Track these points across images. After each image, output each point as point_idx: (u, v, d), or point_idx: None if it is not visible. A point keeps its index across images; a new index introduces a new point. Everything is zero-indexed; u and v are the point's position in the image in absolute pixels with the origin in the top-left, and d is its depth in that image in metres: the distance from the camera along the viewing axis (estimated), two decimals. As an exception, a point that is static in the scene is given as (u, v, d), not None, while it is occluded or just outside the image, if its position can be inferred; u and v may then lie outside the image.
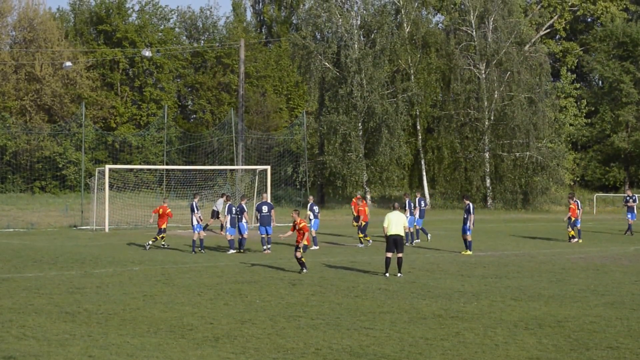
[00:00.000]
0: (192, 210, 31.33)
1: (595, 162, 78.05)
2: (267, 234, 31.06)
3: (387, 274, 23.64)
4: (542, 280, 23.09)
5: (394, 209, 24.25)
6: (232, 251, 30.74)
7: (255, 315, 17.57)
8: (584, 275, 24.29)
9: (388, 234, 23.60)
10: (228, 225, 31.04)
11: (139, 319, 16.97)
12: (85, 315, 17.37)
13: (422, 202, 35.46)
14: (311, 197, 35.36)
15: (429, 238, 35.52)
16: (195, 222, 31.08)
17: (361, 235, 33.52)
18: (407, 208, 33.81)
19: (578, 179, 78.82)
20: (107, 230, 40.74)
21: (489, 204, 65.57)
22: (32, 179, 64.58)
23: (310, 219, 33.05)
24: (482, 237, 38.32)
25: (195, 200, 31.82)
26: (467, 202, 30.34)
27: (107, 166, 43.82)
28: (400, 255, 23.76)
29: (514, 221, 53.56)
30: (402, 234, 23.79)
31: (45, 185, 64.68)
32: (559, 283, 22.61)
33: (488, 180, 65.84)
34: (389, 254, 23.70)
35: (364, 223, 33.71)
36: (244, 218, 31.26)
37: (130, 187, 51.86)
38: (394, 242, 23.63)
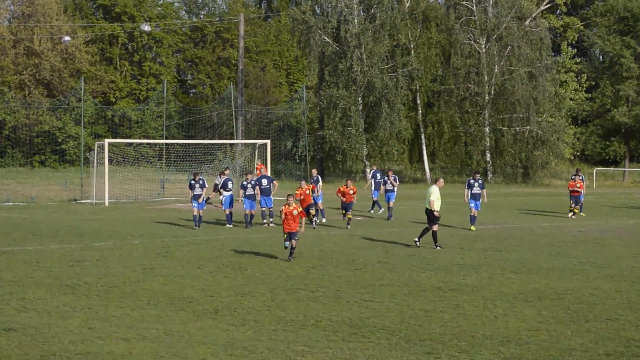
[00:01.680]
0: (194, 187, 30.83)
1: (595, 136, 77.97)
2: (268, 207, 31.09)
3: (437, 246, 24.06)
4: (541, 254, 23.11)
5: (434, 183, 24.70)
6: (245, 225, 30.49)
7: (255, 287, 17.59)
8: (583, 249, 24.31)
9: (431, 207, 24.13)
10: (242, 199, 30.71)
11: (139, 292, 16.99)
12: (86, 288, 17.39)
13: (378, 175, 37.09)
14: (314, 171, 35.49)
15: (380, 212, 36.26)
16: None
17: (344, 212, 31.68)
18: (370, 178, 37.47)
19: (578, 154, 78.75)
20: (107, 204, 40.74)
21: (489, 178, 65.55)
22: (31, 153, 64.51)
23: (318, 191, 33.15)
24: (482, 210, 38.27)
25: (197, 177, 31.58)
26: (478, 176, 30.39)
27: (107, 140, 43.73)
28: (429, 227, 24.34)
29: (514, 195, 53.57)
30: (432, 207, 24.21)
31: (45, 160, 64.62)
32: (559, 256, 22.63)
33: (488, 155, 65.79)
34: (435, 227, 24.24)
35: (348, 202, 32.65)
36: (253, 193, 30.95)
37: (130, 161, 51.79)
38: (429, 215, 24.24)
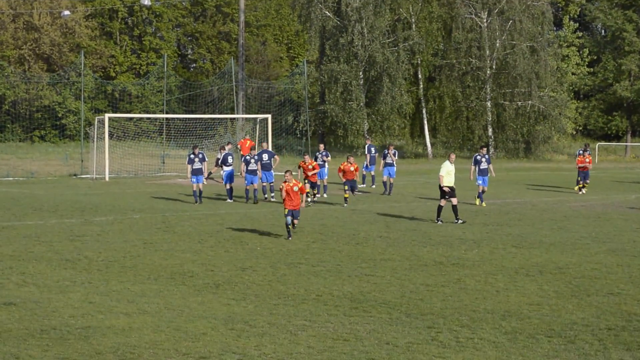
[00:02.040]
0: (191, 161, 30.60)
1: (597, 111, 77.70)
2: (269, 182, 31.03)
3: (439, 221, 24.15)
4: (543, 228, 23.06)
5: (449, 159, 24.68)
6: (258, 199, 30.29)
7: (256, 262, 17.56)
8: (585, 223, 24.25)
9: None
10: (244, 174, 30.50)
11: (140, 266, 16.96)
12: (86, 263, 17.36)
13: (372, 149, 37.34)
14: (322, 145, 35.61)
15: (373, 186, 36.30)
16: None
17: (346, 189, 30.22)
18: (366, 153, 37.20)
19: (580, 128, 78.54)
20: (107, 179, 40.68)
21: (491, 152, 65.34)
22: (31, 128, 64.36)
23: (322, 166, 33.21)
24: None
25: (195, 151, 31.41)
26: (485, 151, 30.06)
27: (107, 115, 43.58)
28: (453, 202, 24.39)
29: (515, 170, 53.46)
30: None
31: (45, 135, 64.48)
32: (560, 230, 22.58)
33: (490, 129, 65.59)
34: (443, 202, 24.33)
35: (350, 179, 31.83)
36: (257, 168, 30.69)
37: (130, 136, 51.65)
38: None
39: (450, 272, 16.38)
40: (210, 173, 38.25)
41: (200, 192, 30.17)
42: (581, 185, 35.09)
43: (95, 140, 43.37)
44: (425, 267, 17.00)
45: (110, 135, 44.07)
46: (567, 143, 72.40)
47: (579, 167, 35.28)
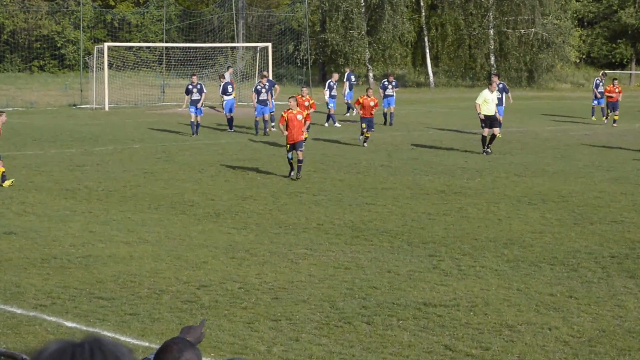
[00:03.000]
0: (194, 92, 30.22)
1: (601, 38, 76.84)
2: (270, 112, 30.74)
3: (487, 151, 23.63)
4: (546, 157, 22.91)
5: (489, 88, 24.22)
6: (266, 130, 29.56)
7: (257, 191, 17.47)
8: (588, 152, 24.10)
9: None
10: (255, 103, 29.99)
11: (140, 196, 16.87)
12: (86, 192, 17.28)
13: (352, 77, 37.33)
14: (335, 75, 35.25)
15: (354, 113, 34.96)
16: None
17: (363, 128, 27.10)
18: (345, 80, 36.69)
19: (584, 56, 77.81)
20: (106, 109, 40.44)
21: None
22: (30, 58, 63.82)
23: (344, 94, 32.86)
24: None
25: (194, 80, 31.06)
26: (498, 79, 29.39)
27: (106, 44, 43.10)
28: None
29: (518, 99, 53.02)
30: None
31: (44, 65, 63.96)
32: (564, 159, 22.44)
33: (492, 58, 64.98)
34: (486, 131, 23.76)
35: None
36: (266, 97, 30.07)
37: (130, 66, 51.16)
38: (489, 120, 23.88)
39: (452, 201, 16.30)
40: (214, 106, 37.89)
41: (198, 124, 29.43)
42: (607, 115, 33.96)
43: (94, 70, 42.97)
44: (427, 195, 16.91)
45: (110, 65, 43.63)
46: (570, 72, 71.82)
47: (607, 97, 34.25)
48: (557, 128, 31.93)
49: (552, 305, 9.81)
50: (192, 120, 29.32)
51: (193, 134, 28.88)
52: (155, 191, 17.39)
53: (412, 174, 19.80)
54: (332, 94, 33.82)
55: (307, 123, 19.87)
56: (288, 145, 19.11)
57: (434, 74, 66.11)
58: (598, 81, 36.14)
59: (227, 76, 35.50)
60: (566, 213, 15.08)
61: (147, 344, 8.57)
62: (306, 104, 24.91)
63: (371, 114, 25.72)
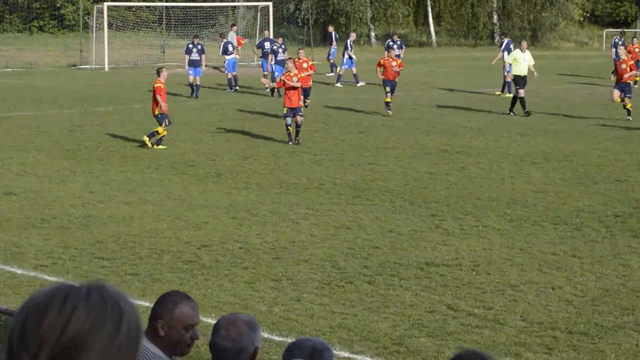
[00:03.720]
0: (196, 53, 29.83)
1: (605, -4, 76.16)
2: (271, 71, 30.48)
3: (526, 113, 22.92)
4: (549, 116, 22.76)
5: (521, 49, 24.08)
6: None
7: (258, 151, 17.36)
8: (592, 111, 23.92)
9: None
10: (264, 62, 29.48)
11: (140, 156, 16.78)
12: (86, 153, 17.18)
13: (334, 35, 37.32)
14: (353, 34, 34.84)
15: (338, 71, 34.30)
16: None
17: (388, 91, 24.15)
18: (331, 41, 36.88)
19: (588, 15, 77.16)
20: (106, 69, 40.23)
21: (496, 40, 64.33)
22: (29, 19, 63.35)
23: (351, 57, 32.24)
24: (488, 73, 37.71)
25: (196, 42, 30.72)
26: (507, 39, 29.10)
27: (106, 4, 42.75)
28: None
29: (520, 58, 52.72)
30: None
31: (44, 25, 63.49)
32: (567, 118, 22.29)
33: (495, 16, 64.43)
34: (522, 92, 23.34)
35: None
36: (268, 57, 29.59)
37: (130, 26, 50.76)
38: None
39: (455, 160, 16.19)
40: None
41: (198, 86, 28.77)
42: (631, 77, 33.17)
43: (94, 30, 42.69)
44: (429, 155, 16.81)
45: (110, 25, 43.32)
46: (574, 30, 71.25)
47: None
48: (560, 87, 31.70)
49: (555, 265, 9.75)
50: (191, 82, 28.92)
51: (193, 96, 28.40)
52: (156, 151, 17.29)
53: (414, 133, 19.67)
54: (351, 54, 33.09)
55: (309, 82, 19.78)
56: (286, 109, 18.41)
57: (436, 33, 65.62)
58: (617, 40, 35.57)
59: (232, 35, 35.10)
60: (569, 172, 14.98)
61: (148, 304, 8.51)
62: (304, 65, 23.11)
63: (394, 76, 23.50)
